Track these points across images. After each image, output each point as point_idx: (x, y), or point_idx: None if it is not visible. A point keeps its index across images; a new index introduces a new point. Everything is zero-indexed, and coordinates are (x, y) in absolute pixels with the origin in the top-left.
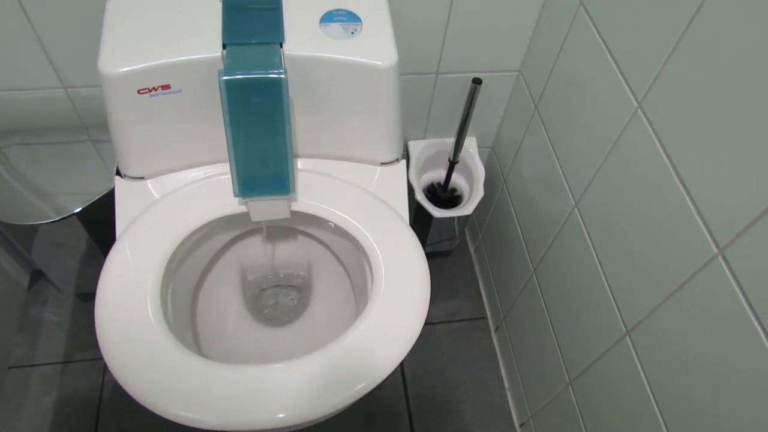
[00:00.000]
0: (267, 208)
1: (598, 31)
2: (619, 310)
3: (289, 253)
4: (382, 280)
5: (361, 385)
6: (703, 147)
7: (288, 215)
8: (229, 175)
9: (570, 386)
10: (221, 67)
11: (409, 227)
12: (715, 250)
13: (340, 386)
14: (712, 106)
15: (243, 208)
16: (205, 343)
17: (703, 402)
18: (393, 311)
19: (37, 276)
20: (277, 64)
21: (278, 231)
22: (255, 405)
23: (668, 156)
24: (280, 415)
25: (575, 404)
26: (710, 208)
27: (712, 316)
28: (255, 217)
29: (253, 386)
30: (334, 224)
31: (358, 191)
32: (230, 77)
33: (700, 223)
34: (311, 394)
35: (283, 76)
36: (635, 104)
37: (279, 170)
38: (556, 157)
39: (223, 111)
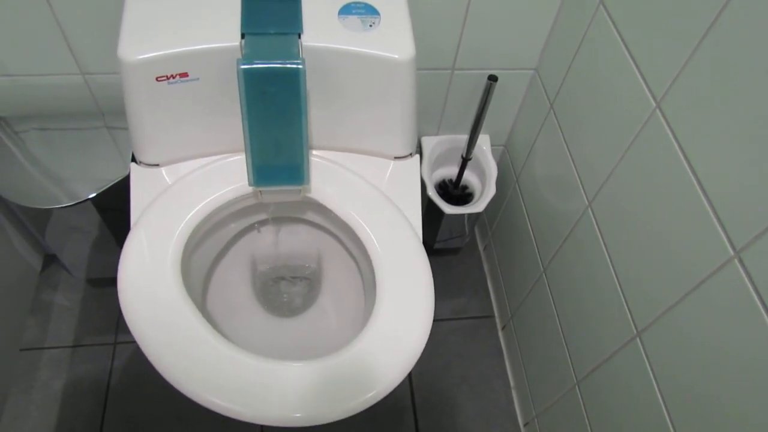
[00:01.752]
0: (279, 191)
1: (617, 31)
2: (630, 311)
3: (300, 244)
4: (385, 291)
5: (371, 394)
6: (722, 149)
7: (299, 197)
8: (239, 157)
9: (577, 387)
10: (239, 56)
11: (417, 234)
12: (732, 252)
13: (349, 392)
14: (733, 107)
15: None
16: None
17: (714, 406)
18: (398, 322)
19: (49, 260)
20: (295, 54)
21: (289, 222)
22: (272, 400)
23: (686, 157)
24: (297, 415)
25: (581, 405)
26: (728, 210)
27: (726, 319)
28: (267, 198)
29: (269, 381)
30: (341, 219)
31: (369, 189)
32: (249, 66)
33: (717, 225)
34: (327, 396)
35: (300, 66)
36: (654, 104)
37: (294, 160)
38: (571, 156)
39: (240, 99)
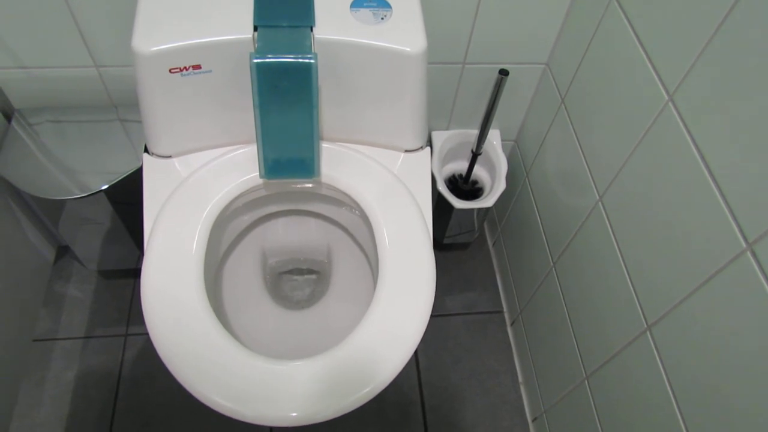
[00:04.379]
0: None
1: (630, 24)
2: (640, 305)
3: (310, 237)
4: (384, 285)
5: (367, 390)
6: (735, 141)
7: (311, 186)
8: (250, 148)
9: (586, 381)
10: (252, 48)
11: (426, 226)
12: (744, 245)
13: (347, 390)
14: (746, 99)
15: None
16: (225, 324)
17: (725, 400)
18: (394, 317)
19: (62, 252)
20: (308, 48)
21: (299, 215)
22: (270, 401)
23: (699, 150)
24: (293, 414)
25: (591, 399)
26: (740, 202)
27: (738, 312)
28: (279, 188)
29: (270, 382)
30: (352, 199)
31: (383, 171)
32: (261, 60)
33: (730, 217)
34: (322, 395)
35: (312, 60)
36: (666, 97)
37: (305, 153)
38: (582, 151)
39: (252, 92)
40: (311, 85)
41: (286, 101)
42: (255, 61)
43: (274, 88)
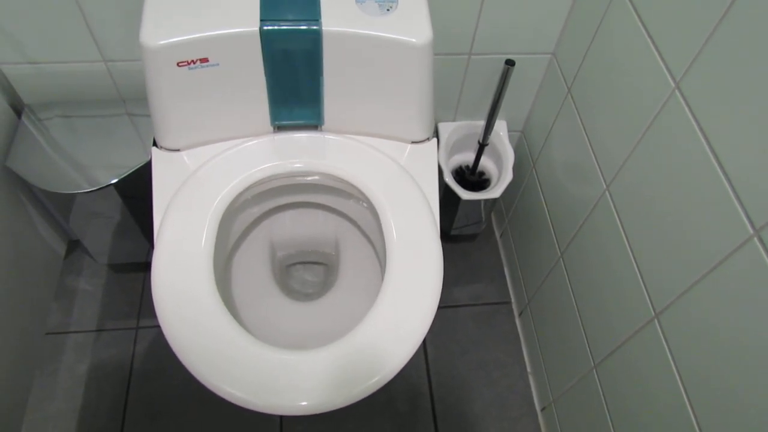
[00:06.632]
0: (299, 141)
1: (636, 11)
2: (648, 293)
3: (318, 229)
4: (391, 278)
5: (375, 380)
6: (742, 128)
7: (317, 175)
8: (259, 140)
9: (594, 370)
10: (258, 41)
11: (433, 218)
12: (751, 231)
13: (355, 379)
14: (753, 86)
15: (277, 170)
16: (234, 316)
17: (733, 387)
18: (403, 306)
19: (73, 246)
20: (315, 14)
21: (307, 208)
22: (281, 390)
23: (706, 137)
24: (303, 403)
25: (599, 388)
26: (747, 188)
27: (747, 298)
28: (288, 154)
29: (280, 372)
30: (359, 191)
31: (390, 163)
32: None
33: (737, 203)
34: (331, 385)
35: (318, 28)
36: (672, 85)
37: (311, 104)
38: (588, 140)
39: (262, 54)
40: (319, 49)
41: (294, 63)
42: (264, 28)
43: (282, 51)
